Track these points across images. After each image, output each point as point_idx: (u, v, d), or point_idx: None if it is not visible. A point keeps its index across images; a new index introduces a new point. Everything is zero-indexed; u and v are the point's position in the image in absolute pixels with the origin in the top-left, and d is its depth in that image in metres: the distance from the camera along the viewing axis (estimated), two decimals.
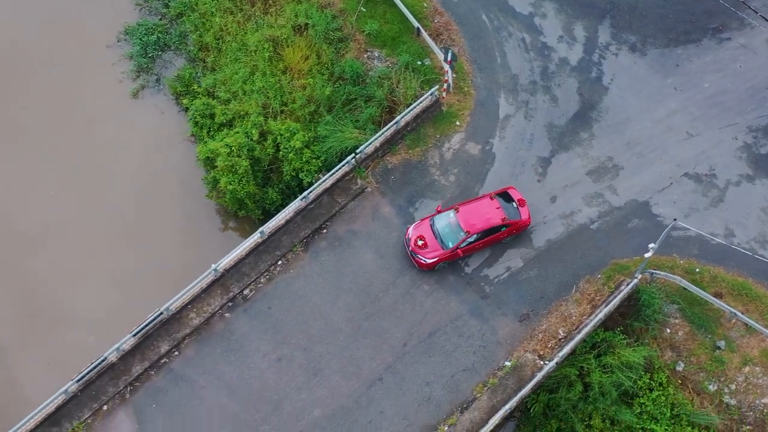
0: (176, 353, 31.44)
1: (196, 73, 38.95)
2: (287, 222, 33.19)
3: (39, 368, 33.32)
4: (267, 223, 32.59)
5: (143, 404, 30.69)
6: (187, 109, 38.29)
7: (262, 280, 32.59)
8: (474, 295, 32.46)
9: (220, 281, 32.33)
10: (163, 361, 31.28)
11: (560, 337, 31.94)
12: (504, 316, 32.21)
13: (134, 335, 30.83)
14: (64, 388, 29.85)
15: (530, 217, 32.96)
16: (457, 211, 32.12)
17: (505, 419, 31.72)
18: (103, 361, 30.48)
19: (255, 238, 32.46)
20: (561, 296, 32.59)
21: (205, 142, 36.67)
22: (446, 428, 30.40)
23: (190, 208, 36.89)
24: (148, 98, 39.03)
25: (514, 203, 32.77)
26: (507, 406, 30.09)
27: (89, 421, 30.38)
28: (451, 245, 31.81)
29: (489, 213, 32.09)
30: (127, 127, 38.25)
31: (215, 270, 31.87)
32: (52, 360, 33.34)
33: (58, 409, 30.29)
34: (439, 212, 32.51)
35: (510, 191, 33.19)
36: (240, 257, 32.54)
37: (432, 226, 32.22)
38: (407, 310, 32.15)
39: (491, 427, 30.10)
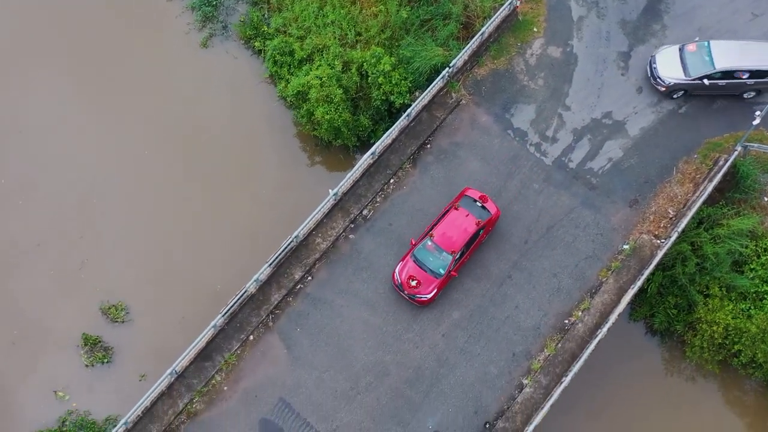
0: (309, 278, 32.34)
1: (263, 15, 39.28)
2: (393, 141, 34.07)
3: (173, 323, 33.88)
4: (376, 144, 33.37)
5: (287, 329, 31.64)
6: (260, 52, 38.71)
7: (378, 200, 33.51)
8: (582, 188, 33.77)
9: (339, 205, 33.19)
10: (298, 287, 32.18)
11: (670, 216, 33.43)
12: (614, 203, 33.60)
13: (270, 265, 31.62)
14: (212, 323, 30.66)
15: (498, 209, 32.38)
16: (433, 237, 31.47)
17: None
18: (244, 293, 31.27)
19: (367, 159, 33.27)
20: (664, 179, 34.05)
21: (287, 79, 37.22)
22: (580, 313, 31.84)
23: (282, 146, 37.44)
24: (219, 45, 39.27)
25: (477, 203, 32.07)
26: (638, 283, 31.61)
27: (239, 351, 31.28)
28: (443, 271, 31.22)
29: (463, 224, 31.51)
30: (203, 76, 38.52)
31: (335, 195, 32.69)
32: (185, 315, 33.94)
33: (208, 344, 31.13)
34: (414, 245, 31.80)
35: (468, 193, 32.40)
36: (355, 180, 33.39)
37: (416, 262, 31.51)
38: (522, 209, 33.38)
39: (624, 306, 31.61)
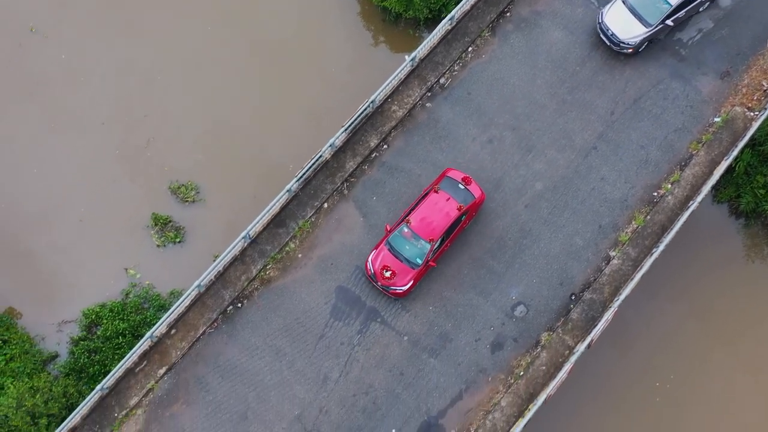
0: (385, 146, 30.99)
1: None
2: (471, 7, 32.40)
3: (245, 203, 32.82)
4: (454, 9, 31.71)
5: (363, 197, 30.38)
6: None
7: (456, 68, 31.96)
8: (671, 59, 32.07)
9: (415, 72, 31.66)
10: (374, 155, 30.84)
11: (764, 88, 31.73)
12: (704, 75, 31.92)
13: (345, 130, 30.26)
14: (287, 187, 29.42)
15: (483, 192, 29.50)
16: (410, 223, 28.64)
17: None
18: (319, 157, 29.98)
19: (445, 25, 31.65)
20: (757, 51, 32.26)
21: None
22: (670, 186, 30.40)
23: (349, 22, 35.83)
24: None
25: (460, 185, 29.15)
26: (732, 154, 30.07)
27: (313, 219, 30.10)
28: (420, 261, 28.48)
29: (443, 209, 28.57)
30: None
31: (412, 60, 31.16)
32: (257, 194, 32.66)
33: (282, 209, 29.95)
34: (390, 231, 28.99)
35: (450, 175, 29.45)
36: (432, 47, 31.83)
37: (391, 250, 28.79)
38: (608, 80, 31.77)
39: (716, 178, 30.12)
